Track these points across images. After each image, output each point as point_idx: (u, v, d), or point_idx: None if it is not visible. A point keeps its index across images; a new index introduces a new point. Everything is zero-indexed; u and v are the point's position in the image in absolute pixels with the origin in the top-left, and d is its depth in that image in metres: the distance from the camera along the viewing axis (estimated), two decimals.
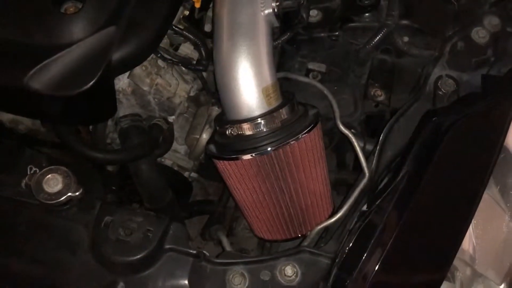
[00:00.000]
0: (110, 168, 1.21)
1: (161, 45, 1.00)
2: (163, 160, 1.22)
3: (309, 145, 0.93)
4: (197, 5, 0.99)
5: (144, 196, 1.16)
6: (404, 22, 0.95)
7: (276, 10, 0.92)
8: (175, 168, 1.24)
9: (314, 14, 1.02)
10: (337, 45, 1.01)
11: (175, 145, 1.19)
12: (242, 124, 0.91)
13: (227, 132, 0.91)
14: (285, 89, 1.00)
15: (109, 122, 1.10)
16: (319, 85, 1.03)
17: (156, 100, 1.04)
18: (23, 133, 1.12)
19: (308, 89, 1.08)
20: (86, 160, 1.04)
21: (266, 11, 0.91)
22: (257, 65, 0.90)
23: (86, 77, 0.88)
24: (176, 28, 0.99)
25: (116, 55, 0.91)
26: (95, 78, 0.88)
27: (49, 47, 0.89)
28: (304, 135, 0.91)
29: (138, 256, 0.86)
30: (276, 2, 0.92)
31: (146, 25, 0.93)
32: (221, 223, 1.17)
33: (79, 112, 0.96)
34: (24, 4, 0.89)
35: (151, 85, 1.00)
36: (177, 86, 1.04)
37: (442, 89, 0.92)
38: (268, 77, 0.91)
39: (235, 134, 0.90)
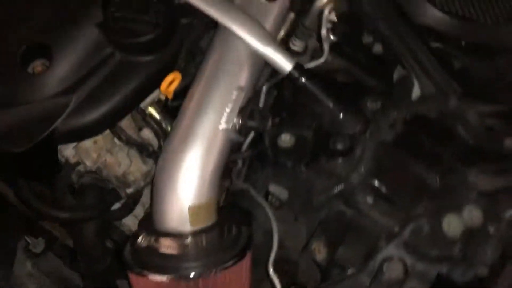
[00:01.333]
0: None
1: (123, 123, 0.97)
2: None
3: (222, 280, 0.83)
4: (169, 96, 0.94)
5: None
6: (371, 182, 0.85)
7: (237, 127, 0.86)
8: None
9: (287, 139, 0.94)
10: (301, 178, 0.92)
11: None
12: (158, 237, 0.83)
13: (139, 239, 0.84)
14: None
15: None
16: (270, 215, 0.94)
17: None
18: None
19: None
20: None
21: (226, 127, 0.85)
22: (195, 179, 0.83)
23: (27, 138, 0.86)
24: (139, 112, 0.95)
25: (64, 124, 0.88)
26: (34, 142, 0.86)
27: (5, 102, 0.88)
28: (220, 269, 0.82)
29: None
30: (239, 119, 0.85)
31: (105, 101, 0.89)
32: None
33: (19, 168, 0.95)
34: None
35: (95, 161, 0.95)
36: (127, 167, 0.99)
37: (386, 274, 0.79)
38: (202, 196, 0.84)
39: (146, 244, 0.83)
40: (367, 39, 0.99)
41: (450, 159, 0.82)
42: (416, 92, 0.92)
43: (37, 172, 0.96)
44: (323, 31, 1.03)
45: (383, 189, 0.82)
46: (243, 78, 0.88)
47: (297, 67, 0.89)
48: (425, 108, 0.89)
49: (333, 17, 1.04)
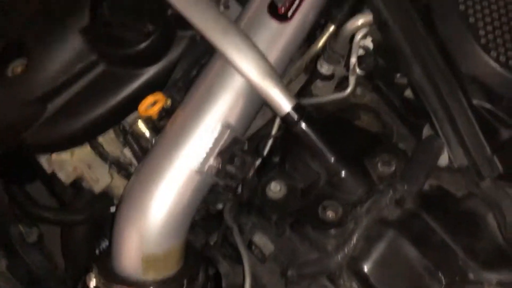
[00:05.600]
0: None
1: (106, 137, 0.88)
2: None
3: None
4: (154, 116, 0.83)
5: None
6: (360, 266, 0.69)
7: (214, 171, 0.73)
8: None
9: (277, 189, 0.79)
10: (285, 237, 0.78)
11: None
12: (109, 283, 0.74)
13: (91, 278, 0.76)
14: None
15: None
16: (246, 270, 0.81)
17: None
18: None
19: None
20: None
21: (201, 169, 0.72)
22: (157, 225, 0.72)
23: None
24: (122, 129, 0.85)
25: (36, 134, 0.80)
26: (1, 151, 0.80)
27: None
28: None
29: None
30: (218, 162, 0.72)
31: (83, 114, 0.80)
32: None
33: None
34: None
35: (70, 176, 0.86)
36: (107, 184, 0.90)
37: None
38: (162, 245, 0.72)
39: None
40: (400, 79, 0.80)
41: (467, 261, 0.64)
42: (443, 159, 0.73)
43: (14, 175, 0.91)
44: (352, 59, 0.86)
45: (373, 280, 0.66)
46: (232, 114, 0.75)
47: (297, 108, 0.73)
48: (450, 183, 0.71)
49: (368, 43, 0.87)
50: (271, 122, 0.93)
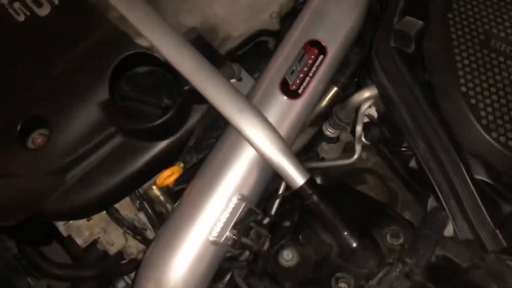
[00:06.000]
0: None
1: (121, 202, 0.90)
2: None
3: None
4: (169, 183, 0.86)
5: None
6: None
7: (230, 242, 0.76)
8: None
9: (289, 257, 0.82)
10: None
11: None
12: None
13: None
14: None
15: None
16: None
17: None
18: None
19: None
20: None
21: (217, 240, 0.75)
22: None
23: (12, 214, 0.81)
24: (138, 196, 0.88)
25: (54, 203, 0.82)
26: (18, 219, 0.81)
27: None
28: None
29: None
30: (234, 234, 0.75)
31: (100, 184, 0.83)
32: None
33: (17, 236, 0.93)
34: None
35: (86, 240, 0.89)
36: (122, 246, 0.92)
37: None
38: None
39: None
40: (405, 150, 0.84)
41: None
42: (449, 229, 0.77)
43: (33, 239, 0.93)
44: (358, 128, 0.91)
45: None
46: (247, 186, 0.78)
47: (310, 182, 0.77)
48: (456, 253, 0.75)
49: (373, 112, 0.91)
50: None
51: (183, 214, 0.78)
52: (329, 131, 0.96)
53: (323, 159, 0.97)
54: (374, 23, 0.92)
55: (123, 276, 1.06)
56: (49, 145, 0.81)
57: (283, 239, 0.82)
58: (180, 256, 0.76)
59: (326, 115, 1.00)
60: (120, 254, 1.00)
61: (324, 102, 0.96)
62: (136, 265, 1.02)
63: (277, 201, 0.95)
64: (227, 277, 0.96)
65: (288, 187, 0.97)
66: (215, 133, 0.90)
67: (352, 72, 0.97)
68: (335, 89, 0.96)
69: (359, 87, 0.92)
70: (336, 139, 0.99)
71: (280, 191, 0.95)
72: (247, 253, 0.93)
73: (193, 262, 0.75)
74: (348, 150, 0.98)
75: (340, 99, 0.93)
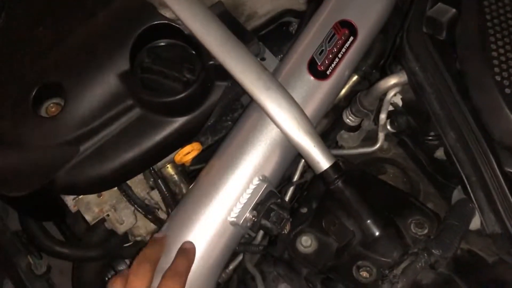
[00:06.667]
0: None
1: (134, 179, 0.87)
2: None
3: None
4: (187, 164, 0.83)
5: None
6: None
7: (249, 224, 0.73)
8: None
9: (308, 243, 0.80)
10: None
11: None
12: None
13: None
14: None
15: None
16: None
17: None
18: None
19: None
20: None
21: (236, 220, 0.72)
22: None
23: (23, 185, 0.77)
24: (152, 173, 0.85)
25: (66, 176, 0.79)
26: (29, 191, 0.78)
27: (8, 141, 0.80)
28: None
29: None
30: (253, 215, 0.73)
31: (114, 158, 0.79)
32: None
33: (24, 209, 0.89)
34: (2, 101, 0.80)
35: (95, 217, 0.85)
36: (131, 225, 0.88)
37: None
38: None
39: None
40: (431, 140, 0.82)
41: None
42: (474, 223, 0.74)
43: (39, 213, 0.90)
44: (382, 116, 0.88)
45: None
46: (269, 167, 0.76)
47: (335, 167, 0.74)
48: (481, 247, 0.72)
49: (399, 101, 0.88)
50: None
51: (201, 193, 0.75)
52: (350, 119, 0.94)
53: (342, 148, 0.94)
54: (398, 12, 0.90)
55: (125, 260, 1.04)
56: (63, 114, 0.78)
57: (301, 225, 0.79)
58: (196, 235, 0.72)
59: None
60: (125, 236, 0.97)
61: (344, 91, 0.94)
62: (140, 248, 0.99)
63: (291, 188, 0.93)
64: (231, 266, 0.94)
65: (302, 174, 0.96)
66: (232, 115, 0.88)
67: (374, 60, 0.95)
68: (355, 77, 0.94)
69: (384, 74, 0.89)
70: (356, 128, 0.96)
71: (295, 178, 0.93)
72: (258, 239, 0.91)
73: (210, 242, 0.72)
74: (367, 139, 0.95)
75: (355, 92, 0.90)
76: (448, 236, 0.70)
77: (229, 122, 0.87)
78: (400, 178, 0.89)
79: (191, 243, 0.71)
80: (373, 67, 0.95)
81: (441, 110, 0.76)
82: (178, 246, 0.71)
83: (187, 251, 0.70)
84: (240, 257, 0.92)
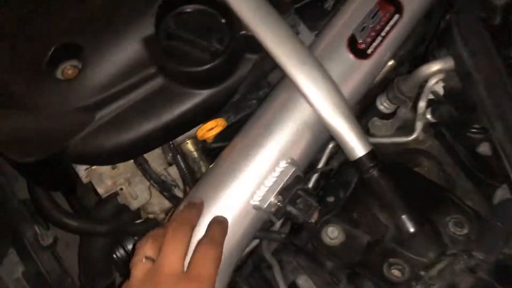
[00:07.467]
0: None
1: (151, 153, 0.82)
2: None
3: None
4: (209, 140, 0.77)
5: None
6: None
7: (273, 209, 0.68)
8: None
9: (334, 235, 0.74)
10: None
11: None
12: None
13: None
14: None
15: None
16: None
17: None
18: None
19: None
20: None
21: (259, 204, 0.67)
22: None
23: (34, 151, 0.72)
24: (172, 148, 0.80)
25: (79, 144, 0.74)
26: (40, 157, 0.72)
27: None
28: None
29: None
30: (278, 200, 0.67)
31: (131, 128, 0.74)
32: None
33: (34, 176, 0.83)
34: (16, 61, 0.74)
35: (108, 190, 0.80)
36: (145, 201, 0.84)
37: None
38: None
39: None
40: (474, 134, 0.76)
41: None
42: None
43: (48, 182, 0.85)
44: (421, 104, 0.82)
45: None
46: (297, 150, 0.70)
47: (371, 154, 0.68)
48: None
49: (440, 89, 0.82)
50: None
51: (223, 172, 0.69)
52: (384, 105, 0.88)
53: (374, 136, 0.88)
54: None
55: (135, 237, 0.99)
56: (80, 78, 0.72)
57: (327, 215, 0.73)
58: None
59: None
60: (137, 212, 0.93)
61: (378, 78, 0.87)
62: (152, 225, 0.94)
63: (315, 175, 0.87)
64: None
65: (327, 161, 0.90)
66: (257, 93, 0.82)
67: (414, 45, 0.88)
68: (391, 62, 0.87)
69: (426, 60, 0.83)
70: (390, 115, 0.90)
71: (320, 166, 0.88)
72: (277, 226, 0.86)
73: (231, 226, 0.67)
74: (401, 128, 0.89)
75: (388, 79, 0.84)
76: (491, 239, 0.64)
77: (254, 101, 0.82)
78: (435, 172, 0.83)
79: (223, 217, 0.66)
80: (411, 52, 0.89)
81: (489, 100, 0.70)
82: (199, 225, 0.67)
83: (222, 222, 0.65)
84: (255, 242, 0.87)
